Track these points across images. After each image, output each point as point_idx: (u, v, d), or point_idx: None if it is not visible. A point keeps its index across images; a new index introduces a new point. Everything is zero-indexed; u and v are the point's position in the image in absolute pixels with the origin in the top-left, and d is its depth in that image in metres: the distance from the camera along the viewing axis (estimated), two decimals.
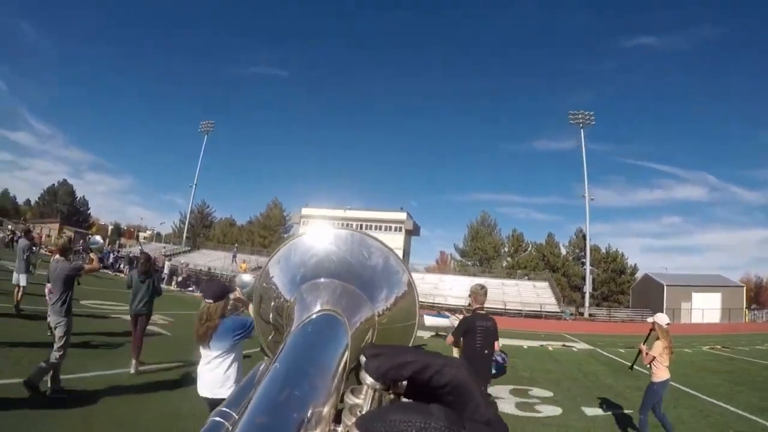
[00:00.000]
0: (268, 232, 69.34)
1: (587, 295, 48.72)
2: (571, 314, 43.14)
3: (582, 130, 55.47)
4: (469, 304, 7.26)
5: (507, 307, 40.76)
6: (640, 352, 7.32)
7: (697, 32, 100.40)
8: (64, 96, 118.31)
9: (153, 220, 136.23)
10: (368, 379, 0.45)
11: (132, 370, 8.29)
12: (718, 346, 23.59)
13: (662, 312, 8.24)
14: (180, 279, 33.47)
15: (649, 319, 7.33)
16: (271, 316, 0.75)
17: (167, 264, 33.16)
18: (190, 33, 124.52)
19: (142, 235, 79.22)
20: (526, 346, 20.77)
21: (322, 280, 0.72)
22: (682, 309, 45.09)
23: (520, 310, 40.61)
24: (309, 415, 0.42)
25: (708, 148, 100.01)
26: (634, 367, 7.82)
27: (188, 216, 68.43)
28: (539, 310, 41.33)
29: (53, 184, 79.99)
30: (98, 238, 7.96)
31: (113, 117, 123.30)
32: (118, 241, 65.57)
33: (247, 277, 4.95)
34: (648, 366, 7.06)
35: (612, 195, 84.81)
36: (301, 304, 0.67)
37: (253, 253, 56.57)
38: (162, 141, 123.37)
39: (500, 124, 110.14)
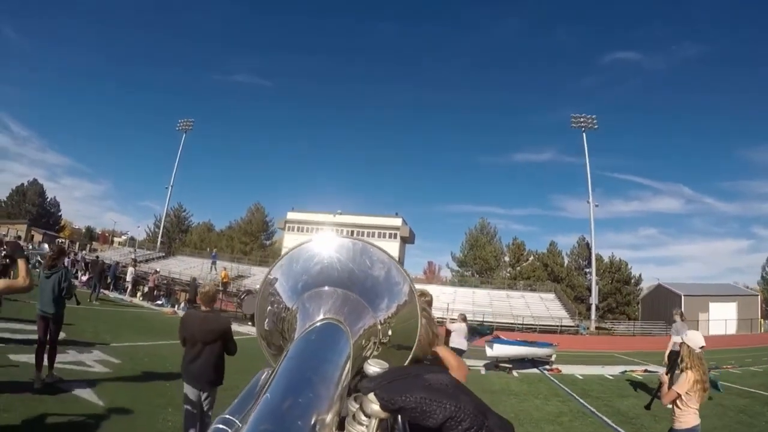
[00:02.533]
0: (250, 238, 65.13)
1: (593, 308, 45.27)
2: (586, 329, 39.58)
3: (584, 134, 52.52)
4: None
5: (517, 321, 36.94)
6: (660, 385, 5.66)
7: (675, 50, 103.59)
8: (42, 98, 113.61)
9: (129, 225, 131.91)
10: (373, 407, 0.46)
11: (36, 384, 7.16)
12: (734, 365, 19.42)
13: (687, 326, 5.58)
14: (147, 289, 28.34)
15: (676, 339, 6.00)
16: (273, 323, 0.77)
17: (131, 271, 27.76)
18: (172, 39, 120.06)
19: (117, 240, 74.46)
20: (610, 376, 16.56)
21: (326, 288, 0.73)
22: (700, 320, 41.69)
23: (533, 325, 36.68)
24: (312, 422, 0.43)
25: (684, 161, 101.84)
26: (652, 406, 6.30)
27: (163, 219, 63.69)
28: (554, 324, 37.46)
29: (22, 184, 74.64)
30: (45, 246, 5.23)
31: (92, 121, 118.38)
32: (89, 246, 60.99)
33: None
34: (670, 407, 5.28)
35: (585, 207, 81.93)
36: (303, 312, 0.69)
37: (233, 260, 52.43)
38: (140, 147, 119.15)
39: (480, 136, 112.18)
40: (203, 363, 5.31)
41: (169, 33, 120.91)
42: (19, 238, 45.23)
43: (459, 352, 13.29)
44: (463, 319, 14.05)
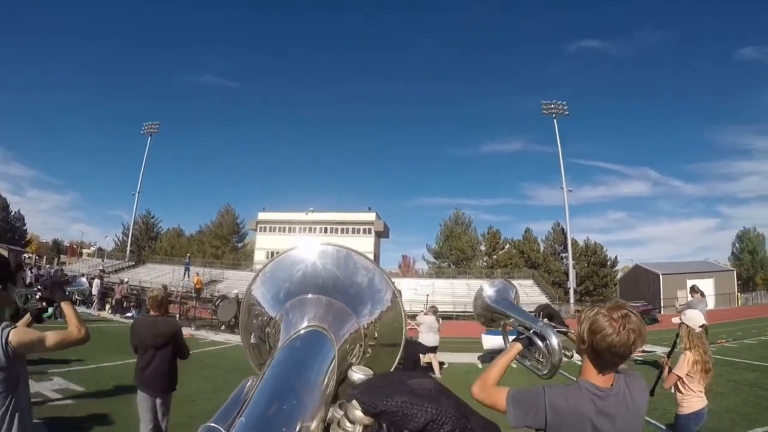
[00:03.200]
0: (221, 242, 63.69)
1: (571, 291, 45.56)
2: (566, 313, 39.58)
3: (555, 121, 52.64)
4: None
5: None
6: (662, 368, 5.40)
7: (639, 36, 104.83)
8: (2, 109, 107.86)
9: (97, 235, 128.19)
10: (356, 413, 0.46)
11: None
12: (727, 339, 19.66)
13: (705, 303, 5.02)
14: (114, 301, 26.74)
15: (675, 320, 5.49)
16: (257, 332, 0.78)
17: (96, 283, 25.69)
18: (136, 42, 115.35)
19: (85, 252, 72.04)
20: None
21: (309, 296, 0.74)
22: (679, 298, 42.14)
23: None
24: (297, 429, 0.43)
25: (650, 145, 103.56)
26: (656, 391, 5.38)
27: (131, 227, 61.66)
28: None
29: None
30: (83, 279, 5.80)
31: (56, 130, 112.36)
32: (57, 259, 58.83)
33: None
34: (671, 390, 5.16)
35: (557, 194, 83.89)
36: (287, 319, 0.71)
37: (205, 265, 51.01)
38: (107, 154, 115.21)
39: (449, 127, 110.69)
40: (155, 369, 5.24)
41: (132, 36, 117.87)
42: None
43: (429, 349, 12.57)
44: (434, 311, 13.48)
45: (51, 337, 3.03)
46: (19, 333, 2.83)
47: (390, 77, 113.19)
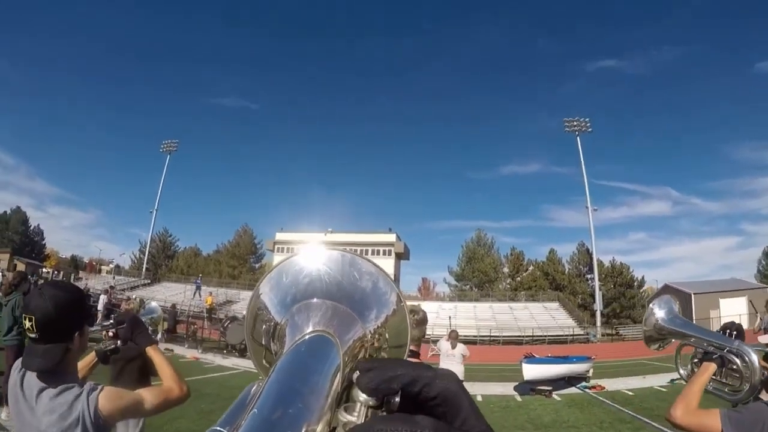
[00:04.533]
0: (238, 262, 62.87)
1: (598, 313, 44.01)
2: (594, 336, 37.99)
3: (578, 138, 51.76)
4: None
5: (524, 334, 35.35)
6: None
7: (656, 54, 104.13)
8: (29, 125, 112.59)
9: (115, 252, 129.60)
10: (361, 396, 0.47)
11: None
12: None
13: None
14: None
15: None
16: (263, 337, 0.78)
17: (102, 299, 24.34)
18: (157, 63, 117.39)
19: (104, 268, 71.90)
20: (662, 387, 14.64)
21: (314, 300, 0.74)
22: (711, 318, 40.17)
23: (542, 336, 34.80)
24: None
25: (669, 164, 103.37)
26: None
27: (148, 245, 61.33)
28: (564, 334, 35.82)
29: (5, 212, 72.03)
30: (154, 304, 4.69)
31: (78, 148, 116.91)
32: (74, 275, 58.65)
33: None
34: None
35: (578, 215, 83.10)
36: (293, 324, 0.71)
37: (221, 285, 50.62)
38: (127, 173, 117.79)
39: (468, 150, 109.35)
40: (128, 378, 4.93)
41: (154, 54, 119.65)
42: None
43: None
44: (454, 336, 11.21)
45: (149, 398, 2.19)
46: (112, 397, 2.04)
47: (409, 98, 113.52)
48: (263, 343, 0.76)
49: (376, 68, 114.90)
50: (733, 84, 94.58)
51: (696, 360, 2.48)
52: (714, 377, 2.33)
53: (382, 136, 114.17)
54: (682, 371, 2.71)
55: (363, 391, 0.46)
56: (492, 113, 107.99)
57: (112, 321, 2.73)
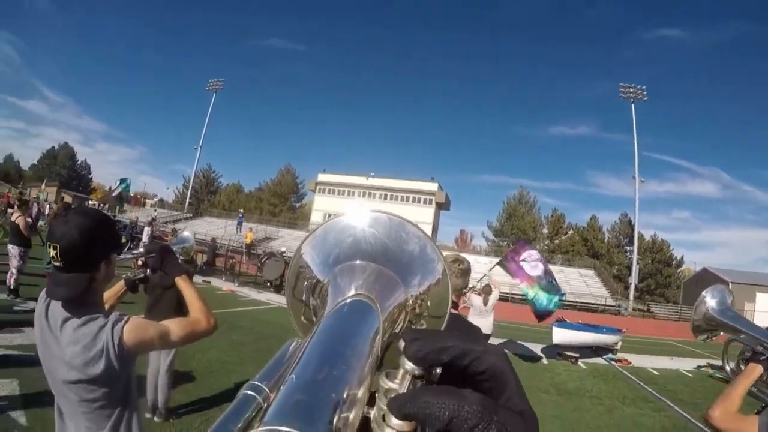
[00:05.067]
0: (279, 200, 63.87)
1: (632, 287, 42.98)
2: (626, 309, 37.38)
3: (633, 105, 49.68)
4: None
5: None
6: None
7: (721, 28, 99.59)
8: (77, 65, 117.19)
9: (160, 187, 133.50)
10: (407, 364, 0.46)
11: None
12: None
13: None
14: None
15: None
16: (304, 294, 0.78)
17: (146, 231, 25.01)
18: (205, 3, 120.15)
19: (149, 202, 74.04)
20: (687, 372, 14.45)
21: (358, 262, 0.74)
22: (746, 311, 39.04)
23: (573, 302, 34.47)
24: (345, 396, 0.44)
25: (723, 145, 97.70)
26: None
27: (192, 181, 62.53)
28: (596, 303, 35.48)
29: (53, 147, 75.06)
30: (187, 233, 4.44)
31: (125, 86, 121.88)
32: (118, 207, 60.87)
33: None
34: None
35: (622, 184, 79.41)
36: (335, 285, 0.70)
37: (261, 222, 51.12)
38: (173, 111, 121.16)
39: (516, 107, 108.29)
40: (164, 307, 4.95)
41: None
42: (46, 200, 44.11)
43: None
44: (487, 291, 10.74)
45: (175, 330, 2.17)
46: (137, 329, 2.01)
47: (458, 55, 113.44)
48: (303, 299, 0.76)
49: (426, 21, 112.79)
50: None
51: (744, 359, 2.39)
52: (761, 379, 2.25)
53: (430, 86, 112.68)
54: (728, 367, 2.65)
55: (410, 359, 0.46)
56: (545, 73, 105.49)
57: (141, 249, 2.67)
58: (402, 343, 0.47)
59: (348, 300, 0.64)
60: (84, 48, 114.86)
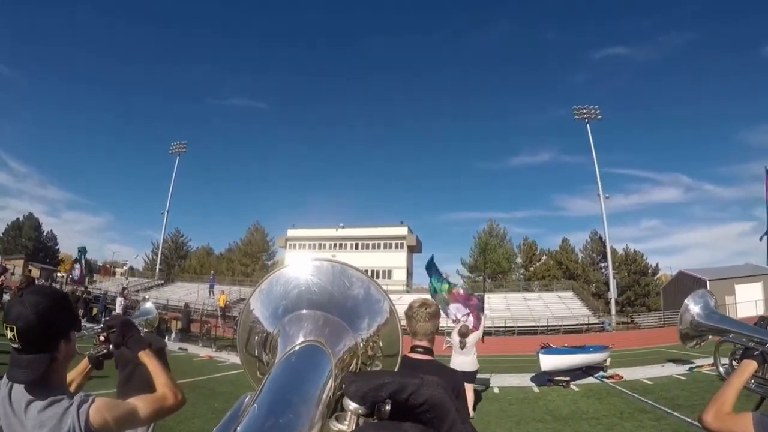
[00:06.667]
0: (250, 260, 62.87)
1: (612, 302, 43.63)
2: (609, 324, 37.63)
3: (588, 126, 51.09)
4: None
5: (539, 324, 35.33)
6: None
7: (663, 40, 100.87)
8: (40, 133, 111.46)
9: (129, 255, 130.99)
10: (351, 405, 0.46)
11: None
12: None
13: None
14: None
15: None
16: (256, 349, 0.79)
17: (119, 301, 24.24)
18: (164, 66, 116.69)
19: (118, 271, 72.36)
20: (680, 375, 14.42)
21: (304, 311, 0.76)
22: (728, 304, 39.67)
23: (557, 326, 34.59)
24: None
25: (679, 150, 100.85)
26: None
27: (161, 246, 61.57)
28: (579, 323, 35.68)
29: (18, 219, 72.62)
30: (149, 305, 4.39)
31: (88, 152, 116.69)
32: (88, 278, 59.27)
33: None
34: None
35: (589, 203, 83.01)
36: (284, 335, 0.72)
37: (234, 283, 50.48)
38: (138, 176, 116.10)
39: (476, 143, 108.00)
40: (137, 383, 4.30)
41: (159, 57, 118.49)
42: (13, 274, 42.67)
43: (465, 378, 8.10)
44: (463, 333, 10.09)
45: (142, 407, 2.06)
46: (102, 409, 1.89)
47: (417, 95, 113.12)
48: (256, 354, 0.77)
49: (383, 66, 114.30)
50: (743, 68, 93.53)
51: (736, 357, 2.36)
52: (756, 375, 2.20)
53: (392, 132, 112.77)
54: (721, 369, 2.56)
55: (351, 400, 0.46)
56: (500, 105, 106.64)
57: (101, 326, 2.58)
58: (344, 386, 0.49)
59: (297, 347, 0.65)
60: (44, 114, 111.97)
